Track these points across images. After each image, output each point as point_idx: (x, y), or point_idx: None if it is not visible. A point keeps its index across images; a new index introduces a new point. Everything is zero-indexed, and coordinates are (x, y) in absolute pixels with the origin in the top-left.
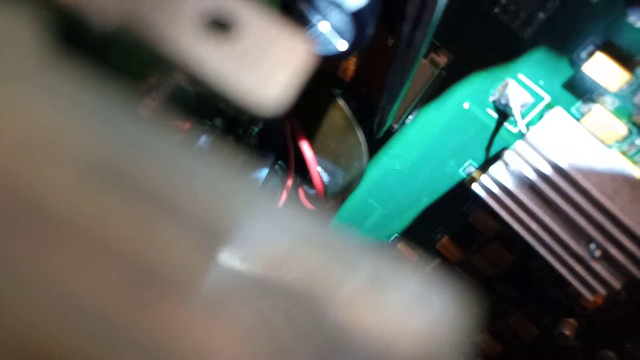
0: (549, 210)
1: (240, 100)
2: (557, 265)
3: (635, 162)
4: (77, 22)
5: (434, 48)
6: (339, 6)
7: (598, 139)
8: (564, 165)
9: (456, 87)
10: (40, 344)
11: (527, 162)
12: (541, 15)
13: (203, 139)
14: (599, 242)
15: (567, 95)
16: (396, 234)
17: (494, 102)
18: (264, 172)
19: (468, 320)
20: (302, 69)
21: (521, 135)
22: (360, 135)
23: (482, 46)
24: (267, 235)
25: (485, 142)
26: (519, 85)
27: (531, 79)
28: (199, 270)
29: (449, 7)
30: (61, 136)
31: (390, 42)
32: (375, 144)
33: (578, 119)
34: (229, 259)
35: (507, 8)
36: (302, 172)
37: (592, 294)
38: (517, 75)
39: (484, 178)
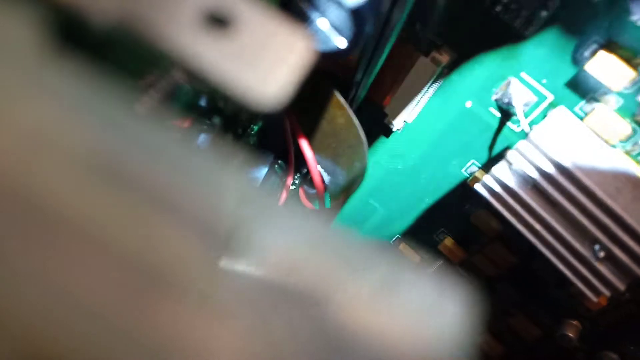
0: (553, 210)
1: (239, 97)
2: (561, 266)
3: (638, 162)
4: (77, 20)
5: (435, 47)
6: (337, 3)
7: (601, 138)
8: (567, 164)
9: (458, 86)
10: (40, 344)
11: (530, 161)
12: (543, 14)
13: (202, 138)
14: (603, 242)
15: (570, 94)
16: (398, 235)
17: (496, 101)
18: (263, 171)
19: (475, 324)
20: (301, 66)
21: (524, 135)
22: (362, 135)
23: (484, 45)
24: (270, 236)
25: (488, 142)
26: (522, 84)
27: (534, 78)
28: (200, 270)
29: (450, 6)
30: (61, 135)
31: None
32: (377, 143)
33: (581, 118)
34: (231, 259)
35: (508, 7)
36: (302, 172)
37: (596, 296)
38: (519, 73)
39: (487, 178)
